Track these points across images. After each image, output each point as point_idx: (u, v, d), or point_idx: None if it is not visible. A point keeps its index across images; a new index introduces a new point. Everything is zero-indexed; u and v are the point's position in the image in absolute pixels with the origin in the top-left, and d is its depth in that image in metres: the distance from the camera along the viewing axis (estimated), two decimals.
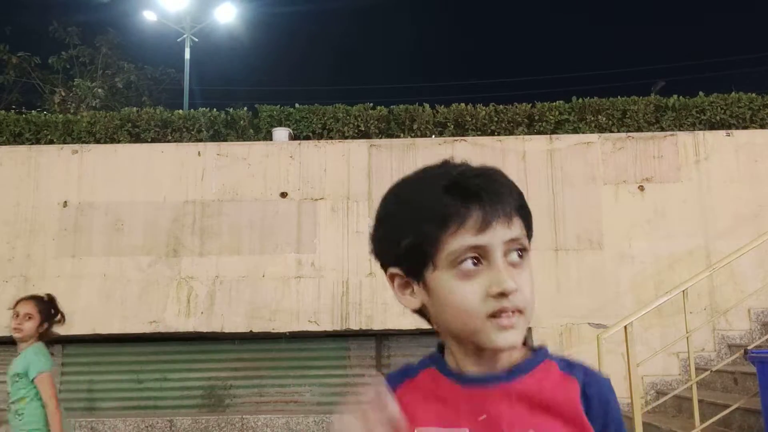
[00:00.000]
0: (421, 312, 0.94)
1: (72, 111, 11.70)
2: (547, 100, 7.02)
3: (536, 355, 0.93)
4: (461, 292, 0.84)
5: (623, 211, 6.27)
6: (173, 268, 6.25)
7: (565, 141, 6.47)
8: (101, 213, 6.34)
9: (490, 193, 0.87)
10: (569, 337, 6.05)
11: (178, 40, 17.90)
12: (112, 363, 6.38)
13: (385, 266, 0.93)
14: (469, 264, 0.84)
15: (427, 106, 7.03)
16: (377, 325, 6.16)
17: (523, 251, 0.88)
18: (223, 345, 6.42)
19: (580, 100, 6.96)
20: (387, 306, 6.15)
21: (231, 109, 7.25)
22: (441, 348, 0.95)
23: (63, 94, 13.26)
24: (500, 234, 0.85)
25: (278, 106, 7.14)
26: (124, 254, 6.26)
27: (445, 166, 0.92)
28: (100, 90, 13.52)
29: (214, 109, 7.16)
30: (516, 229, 0.87)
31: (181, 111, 7.33)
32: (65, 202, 6.38)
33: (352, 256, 6.26)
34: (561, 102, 6.97)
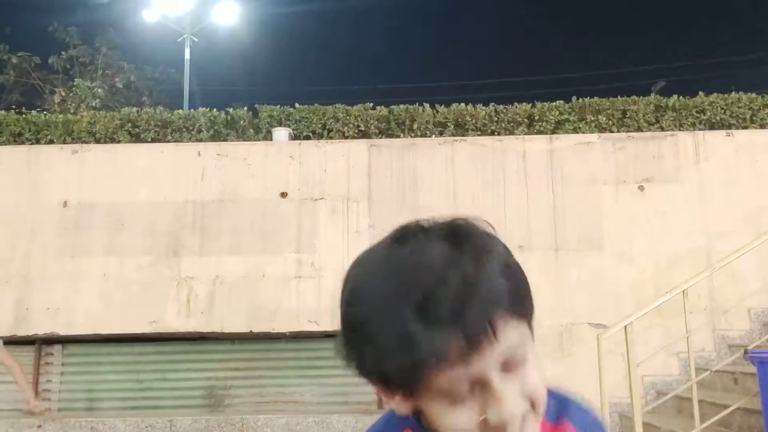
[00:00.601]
0: None
1: (72, 111, 11.70)
2: (547, 100, 7.02)
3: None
4: (452, 420, 0.70)
5: (623, 211, 6.27)
6: (173, 268, 6.25)
7: (565, 141, 6.47)
8: (101, 213, 6.34)
9: (472, 308, 0.68)
10: (569, 337, 6.05)
11: (178, 40, 17.90)
12: (112, 363, 6.38)
13: (359, 372, 0.76)
14: (457, 393, 0.69)
15: (427, 106, 7.03)
16: None
17: (523, 348, 0.72)
18: (223, 345, 6.42)
19: (580, 100, 6.96)
20: None
21: (231, 109, 7.25)
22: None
23: (63, 94, 13.26)
24: (491, 353, 0.68)
25: (278, 106, 7.14)
26: (124, 254, 6.26)
27: (410, 255, 0.73)
28: (100, 90, 13.53)
29: (214, 109, 7.17)
30: (509, 338, 0.70)
31: (181, 111, 7.33)
32: (65, 202, 6.38)
33: (352, 256, 6.19)
34: (561, 102, 6.97)
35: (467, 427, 0.69)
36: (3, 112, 7.30)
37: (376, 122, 6.93)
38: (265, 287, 6.19)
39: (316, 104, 7.16)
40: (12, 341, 6.29)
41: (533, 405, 0.71)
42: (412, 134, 6.88)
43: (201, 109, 7.18)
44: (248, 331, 6.15)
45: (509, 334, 0.70)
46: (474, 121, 6.88)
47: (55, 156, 6.53)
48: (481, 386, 0.69)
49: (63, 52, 14.71)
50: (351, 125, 6.89)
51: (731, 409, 4.33)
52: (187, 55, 17.46)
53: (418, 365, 0.68)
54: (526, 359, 0.71)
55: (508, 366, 0.70)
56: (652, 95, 7.16)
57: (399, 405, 0.74)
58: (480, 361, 0.68)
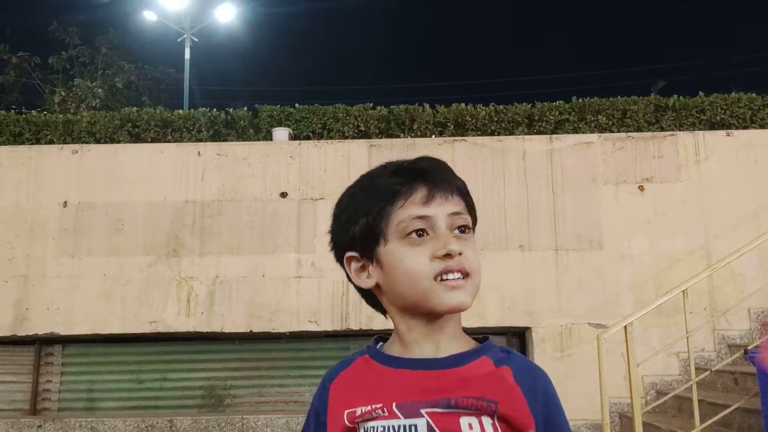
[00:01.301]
0: (372, 298, 1.01)
1: (72, 111, 11.70)
2: (547, 100, 7.02)
3: (477, 348, 0.96)
4: (410, 255, 0.91)
5: (623, 211, 6.27)
6: (173, 268, 6.25)
7: (565, 141, 6.47)
8: (101, 213, 6.34)
9: (434, 172, 0.95)
10: (569, 337, 6.05)
11: (178, 40, 17.90)
12: (112, 363, 6.38)
13: (341, 255, 1.00)
14: (415, 234, 0.91)
15: (427, 106, 7.03)
16: (377, 325, 6.15)
17: (466, 228, 0.95)
18: (223, 345, 6.42)
19: (580, 100, 6.96)
20: None
21: (231, 109, 7.25)
22: (377, 340, 1.04)
23: (63, 94, 13.25)
24: (444, 207, 0.93)
25: (278, 106, 7.14)
26: (124, 254, 6.26)
27: (393, 161, 1.01)
28: (100, 90, 13.51)
29: (214, 109, 7.17)
30: (458, 204, 0.95)
31: (181, 111, 7.32)
32: (65, 202, 6.38)
33: None
34: (561, 102, 6.97)
35: (422, 260, 0.90)
36: (3, 112, 7.30)
37: (376, 122, 6.93)
38: (265, 287, 6.19)
39: (316, 104, 7.16)
40: (12, 341, 6.30)
41: (468, 274, 0.92)
42: (412, 134, 6.88)
43: (201, 109, 7.18)
44: (248, 331, 6.15)
45: (456, 203, 0.95)
46: (474, 121, 6.87)
47: (55, 156, 6.52)
48: (433, 231, 0.91)
49: (63, 52, 14.69)
50: (351, 125, 6.89)
51: (731, 409, 4.33)
52: (187, 55, 17.46)
53: (391, 202, 0.92)
54: (468, 240, 0.94)
55: (452, 229, 0.93)
56: (652, 95, 7.16)
57: (367, 279, 0.97)
58: (437, 207, 0.92)
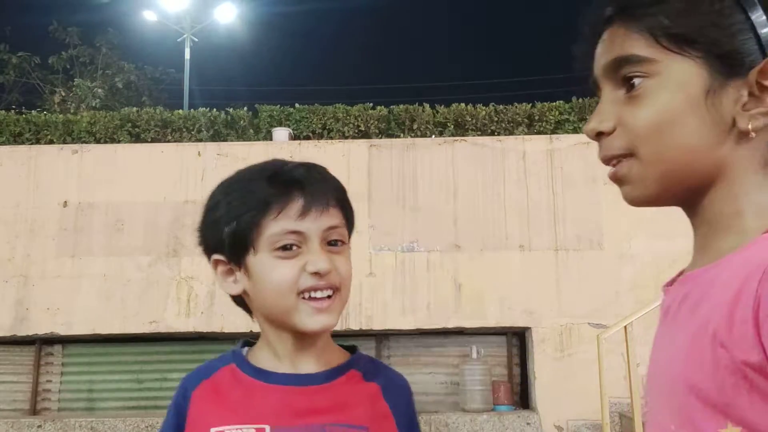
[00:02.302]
0: (241, 301, 0.99)
1: (72, 111, 11.71)
2: (547, 100, 7.02)
3: (346, 362, 0.97)
4: (279, 269, 0.89)
5: (623, 211, 6.26)
6: (173, 268, 6.25)
7: (565, 141, 6.47)
8: (101, 213, 6.34)
9: (311, 183, 0.92)
10: (569, 337, 6.05)
11: (178, 40, 17.92)
12: (112, 363, 6.38)
13: (208, 253, 0.98)
14: (286, 247, 0.89)
15: (427, 106, 7.03)
16: (377, 325, 6.16)
17: (339, 242, 0.94)
18: (223, 345, 6.41)
19: (580, 100, 6.96)
20: (387, 306, 6.15)
21: (231, 109, 7.25)
22: (244, 344, 1.01)
23: (63, 94, 13.27)
24: (319, 221, 0.90)
25: (278, 106, 7.14)
26: (124, 254, 6.26)
27: (273, 161, 0.98)
28: (100, 90, 13.52)
29: (214, 109, 7.17)
30: (335, 218, 0.93)
31: (181, 111, 7.33)
32: (65, 202, 6.38)
33: (352, 256, 6.24)
34: (561, 102, 6.97)
35: (290, 274, 0.88)
36: (3, 112, 7.30)
37: (376, 122, 6.93)
38: None
39: (316, 104, 7.16)
40: (12, 341, 6.30)
41: (338, 288, 0.92)
42: (412, 134, 6.88)
43: (201, 109, 7.18)
44: (248, 331, 6.14)
45: (335, 218, 0.92)
46: (474, 121, 6.88)
47: (55, 156, 6.53)
48: (306, 245, 0.89)
49: (63, 52, 14.71)
50: (351, 125, 6.89)
51: None
52: (187, 55, 17.48)
53: (264, 212, 0.88)
54: (340, 253, 0.93)
55: (328, 243, 0.91)
56: None
57: (233, 285, 0.95)
58: (311, 222, 0.89)
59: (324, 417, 0.88)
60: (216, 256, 0.96)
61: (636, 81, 0.68)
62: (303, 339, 0.93)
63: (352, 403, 0.92)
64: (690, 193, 0.70)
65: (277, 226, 0.89)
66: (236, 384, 0.92)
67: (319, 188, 0.93)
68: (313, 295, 0.89)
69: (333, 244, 0.93)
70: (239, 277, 0.94)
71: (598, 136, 0.72)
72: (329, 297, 0.91)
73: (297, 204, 0.90)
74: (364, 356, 1.01)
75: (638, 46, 0.67)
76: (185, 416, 0.93)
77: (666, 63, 0.66)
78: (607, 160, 0.73)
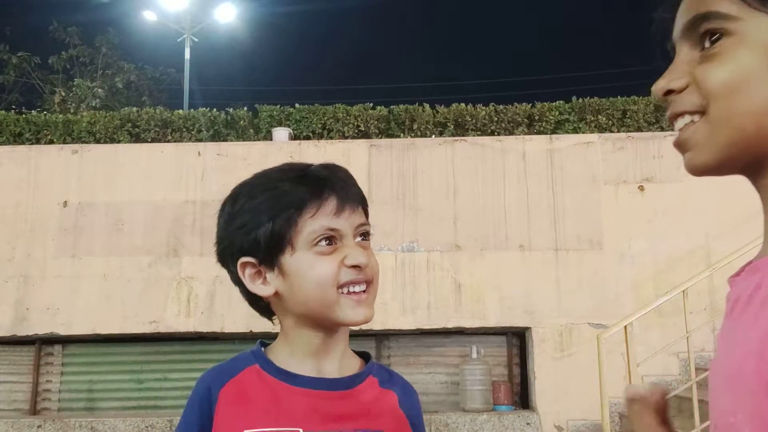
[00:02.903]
0: (262, 304, 1.00)
1: (72, 111, 11.70)
2: (547, 100, 7.02)
3: (366, 368, 0.99)
4: (320, 264, 0.91)
5: (623, 211, 6.27)
6: (173, 268, 6.25)
7: (565, 141, 6.47)
8: (101, 213, 6.34)
9: (340, 182, 0.96)
10: (569, 337, 6.05)
11: (178, 40, 17.91)
12: (112, 363, 6.38)
13: (233, 259, 0.98)
14: (324, 243, 0.92)
15: (427, 106, 7.03)
16: (377, 325, 6.16)
17: (368, 235, 0.98)
18: (223, 345, 6.42)
19: (580, 100, 6.96)
20: (387, 306, 6.15)
21: (231, 109, 7.25)
22: (261, 345, 1.01)
23: (63, 94, 13.26)
24: (352, 219, 0.94)
25: (278, 106, 7.14)
26: (124, 254, 6.26)
27: (292, 164, 1.03)
28: (100, 90, 13.53)
29: (214, 109, 7.17)
30: (362, 216, 0.98)
31: (181, 111, 7.33)
32: (65, 202, 6.38)
33: None
34: (561, 102, 6.97)
35: (331, 267, 0.91)
36: (3, 112, 7.30)
37: (376, 122, 6.93)
38: None
39: (316, 104, 7.16)
40: (12, 341, 6.30)
41: (371, 282, 0.95)
42: (412, 134, 6.88)
43: (201, 109, 7.18)
44: (248, 331, 6.15)
45: (361, 214, 0.97)
46: (474, 121, 6.88)
47: (55, 156, 6.53)
48: (341, 241, 0.92)
49: (63, 52, 14.70)
50: (351, 125, 6.89)
51: None
52: (187, 55, 17.48)
53: (301, 211, 0.91)
54: (370, 247, 0.97)
55: (356, 238, 0.95)
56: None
57: (264, 287, 0.95)
58: (345, 219, 0.93)
59: (350, 423, 0.91)
60: (245, 259, 0.96)
61: (714, 39, 0.64)
62: (329, 341, 0.95)
63: (374, 410, 0.94)
64: (758, 162, 0.66)
65: (315, 224, 0.92)
66: (263, 385, 0.93)
67: (348, 187, 0.97)
68: (351, 289, 0.92)
69: (363, 239, 0.96)
70: (271, 278, 0.95)
71: (667, 94, 0.70)
72: (365, 291, 0.94)
73: (331, 203, 0.93)
74: (376, 363, 1.03)
75: (720, 2, 0.64)
76: (211, 416, 0.92)
77: (748, 21, 0.62)
78: (674, 116, 0.70)
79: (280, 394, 0.91)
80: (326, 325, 0.95)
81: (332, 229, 0.92)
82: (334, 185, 0.95)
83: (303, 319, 0.95)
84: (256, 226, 0.94)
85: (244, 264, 0.97)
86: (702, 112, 0.66)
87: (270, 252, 0.93)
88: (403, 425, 0.97)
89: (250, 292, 0.99)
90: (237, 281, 1.01)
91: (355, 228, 0.95)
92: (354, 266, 0.92)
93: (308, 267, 0.91)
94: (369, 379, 0.97)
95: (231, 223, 1.00)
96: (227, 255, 1.01)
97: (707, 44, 0.65)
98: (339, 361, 0.97)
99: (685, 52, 0.69)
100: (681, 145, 0.69)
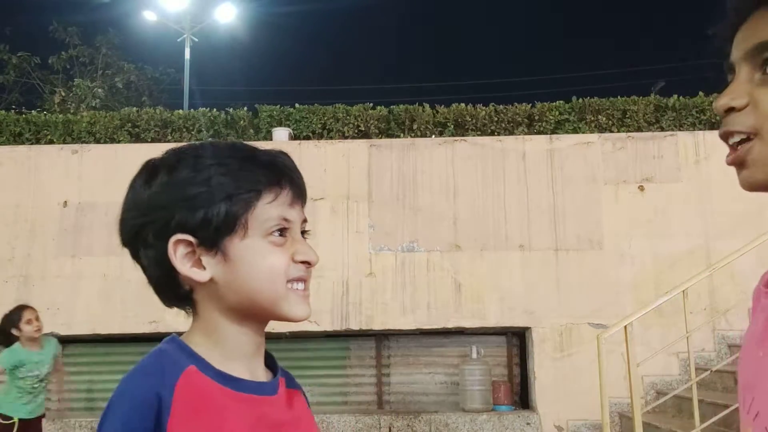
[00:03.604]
0: (180, 294, 0.89)
1: (72, 111, 11.70)
2: (547, 100, 7.02)
3: (278, 369, 0.94)
4: (274, 256, 0.85)
5: (623, 211, 6.27)
6: None
7: (565, 141, 6.47)
8: (101, 213, 6.34)
9: (296, 174, 0.91)
10: (569, 337, 6.05)
11: (178, 40, 17.90)
12: (112, 363, 6.38)
13: (161, 234, 0.85)
14: (277, 234, 0.86)
15: (427, 106, 7.03)
16: (377, 325, 6.16)
17: (307, 233, 0.93)
18: None
19: (580, 100, 6.95)
20: (387, 306, 6.15)
21: (231, 109, 7.25)
22: (173, 341, 0.88)
23: (63, 94, 13.26)
24: (301, 213, 0.90)
25: (278, 106, 7.14)
26: (124, 254, 6.17)
27: (239, 144, 0.92)
28: (100, 90, 13.52)
29: (214, 109, 7.17)
30: (304, 211, 0.93)
31: (181, 111, 7.33)
32: (65, 202, 6.38)
33: (352, 256, 6.26)
34: (561, 102, 6.97)
35: (284, 260, 0.85)
36: (3, 112, 7.30)
37: (376, 122, 6.93)
38: None
39: (316, 104, 7.16)
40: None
41: (309, 278, 0.90)
42: (412, 134, 6.88)
43: (201, 109, 7.19)
44: None
45: (304, 212, 0.92)
46: (474, 121, 6.87)
47: (55, 156, 6.53)
48: (290, 234, 0.88)
49: (63, 52, 14.69)
50: (351, 125, 6.89)
51: (731, 409, 4.33)
52: (187, 55, 17.46)
53: (259, 197, 0.85)
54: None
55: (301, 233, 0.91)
56: (652, 95, 7.16)
57: (199, 270, 0.85)
58: (296, 212, 0.88)
59: (291, 430, 0.88)
60: (181, 236, 0.84)
61: None
62: (260, 340, 0.90)
63: (300, 414, 0.91)
64: None
65: (272, 211, 0.85)
66: (209, 391, 0.81)
67: (300, 178, 0.91)
68: (296, 286, 0.88)
69: (304, 235, 0.92)
70: (207, 262, 0.84)
71: (728, 111, 0.72)
72: (305, 288, 0.90)
73: (287, 192, 0.88)
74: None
75: None
76: (164, 427, 0.77)
77: None
78: (726, 135, 0.72)
79: (226, 402, 0.81)
80: (261, 320, 0.88)
81: (286, 220, 0.87)
82: (291, 174, 0.89)
83: (236, 312, 0.86)
84: (207, 203, 0.83)
85: (179, 242, 0.84)
86: (755, 133, 0.69)
87: (217, 233, 0.83)
88: (315, 426, 0.94)
89: (166, 275, 0.88)
90: (157, 261, 0.89)
91: (301, 222, 0.90)
92: (304, 262, 0.88)
93: (260, 256, 0.84)
94: (281, 380, 0.91)
95: (168, 193, 0.86)
96: (152, 229, 0.87)
97: None
98: (262, 362, 0.91)
99: (745, 73, 0.71)
100: (737, 163, 0.72)
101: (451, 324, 6.13)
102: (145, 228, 0.89)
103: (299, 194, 0.90)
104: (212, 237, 0.84)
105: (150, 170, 0.93)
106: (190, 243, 0.84)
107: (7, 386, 4.40)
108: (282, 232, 0.86)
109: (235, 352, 0.86)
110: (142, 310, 6.16)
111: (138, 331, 6.15)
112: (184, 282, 0.87)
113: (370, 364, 6.44)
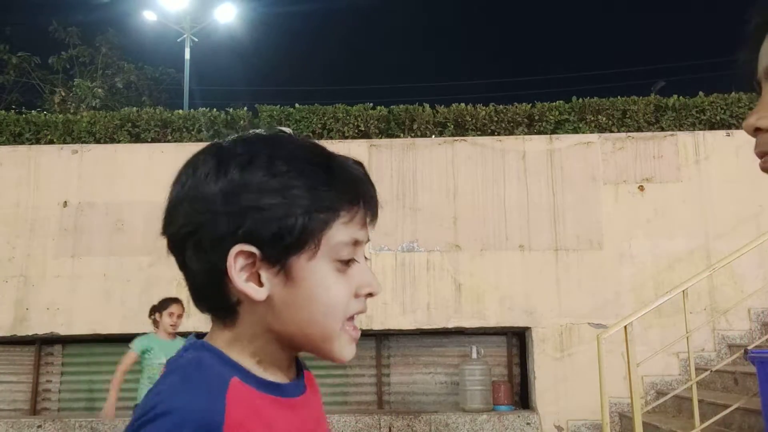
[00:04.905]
0: (227, 306, 0.76)
1: (72, 111, 11.70)
2: (547, 100, 7.02)
3: (300, 362, 0.85)
4: (336, 287, 0.74)
5: (623, 211, 6.27)
6: (173, 268, 6.18)
7: (565, 141, 6.47)
8: (101, 213, 6.34)
9: (373, 189, 0.81)
10: (569, 337, 6.05)
11: (178, 40, 17.90)
12: (112, 363, 6.37)
13: (222, 242, 0.73)
14: (345, 257, 0.75)
15: (427, 106, 7.02)
16: (377, 325, 6.16)
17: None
18: None
19: (580, 100, 6.95)
20: (387, 306, 6.15)
21: (231, 109, 7.26)
22: (202, 346, 0.78)
23: (63, 94, 13.26)
24: (369, 233, 0.79)
25: (278, 106, 7.14)
26: (124, 254, 6.26)
27: (312, 144, 0.81)
28: (100, 90, 13.52)
29: (214, 109, 7.17)
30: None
31: (181, 111, 7.33)
32: (65, 202, 6.38)
33: None
34: (561, 102, 6.97)
35: (348, 294, 0.75)
36: (3, 112, 7.30)
37: (376, 122, 6.93)
38: None
39: (316, 104, 7.16)
40: (12, 341, 6.30)
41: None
42: (412, 134, 6.88)
43: (201, 109, 7.19)
44: None
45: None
46: (474, 121, 6.87)
47: (55, 156, 6.53)
48: (355, 259, 0.76)
49: (63, 52, 14.69)
50: (351, 125, 6.89)
51: (731, 409, 4.33)
52: (187, 55, 17.46)
53: (336, 215, 0.74)
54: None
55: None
56: (652, 95, 7.15)
57: (256, 287, 0.73)
58: (366, 234, 0.77)
59: (323, 424, 0.85)
60: (246, 247, 0.72)
61: None
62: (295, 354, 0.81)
63: (319, 408, 0.86)
64: None
65: (346, 233, 0.74)
66: (256, 403, 0.74)
67: (376, 194, 0.80)
68: (353, 323, 0.77)
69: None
70: (269, 278, 0.73)
71: (756, 131, 0.72)
72: (356, 327, 0.78)
73: (363, 211, 0.77)
74: None
75: None
76: None
77: None
78: (762, 155, 0.73)
79: (274, 411, 0.75)
80: (301, 349, 0.78)
81: (357, 242, 0.76)
82: (369, 191, 0.79)
83: (280, 334, 0.76)
84: (283, 216, 0.72)
85: (241, 253, 0.73)
86: None
87: (286, 249, 0.73)
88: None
89: (214, 284, 0.77)
90: (209, 268, 0.76)
91: (366, 243, 0.78)
92: (369, 295, 0.77)
93: (324, 284, 0.74)
94: (306, 374, 0.85)
95: (242, 196, 0.73)
96: (214, 231, 0.74)
97: None
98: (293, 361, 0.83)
99: None
100: None
101: (451, 324, 6.13)
102: (204, 227, 0.76)
103: (374, 215, 0.79)
104: (280, 253, 0.73)
105: (220, 160, 0.77)
106: (251, 254, 0.73)
107: (141, 376, 4.70)
108: (351, 258, 0.76)
109: (274, 364, 0.78)
110: (142, 310, 6.15)
111: (138, 331, 6.14)
112: (233, 293, 0.75)
113: (370, 364, 6.44)
